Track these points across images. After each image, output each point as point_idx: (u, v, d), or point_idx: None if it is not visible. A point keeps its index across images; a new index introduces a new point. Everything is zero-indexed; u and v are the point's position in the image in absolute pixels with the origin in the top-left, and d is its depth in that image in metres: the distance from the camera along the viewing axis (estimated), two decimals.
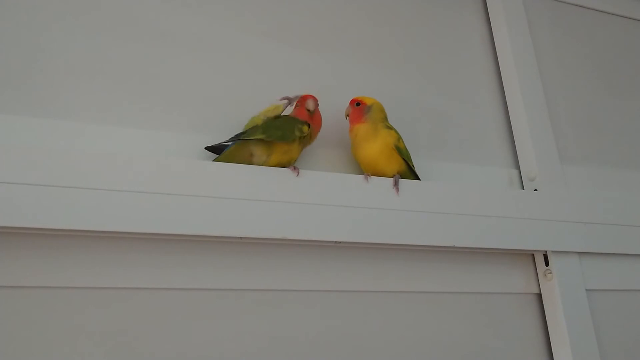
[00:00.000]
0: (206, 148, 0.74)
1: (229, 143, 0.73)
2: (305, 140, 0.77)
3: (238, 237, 0.68)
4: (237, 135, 0.73)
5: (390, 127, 0.80)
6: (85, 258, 0.64)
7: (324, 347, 0.71)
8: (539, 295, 0.87)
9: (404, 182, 0.78)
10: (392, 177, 0.77)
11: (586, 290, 0.86)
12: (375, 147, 0.78)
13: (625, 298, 0.92)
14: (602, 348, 0.85)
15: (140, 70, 0.77)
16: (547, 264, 0.86)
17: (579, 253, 0.88)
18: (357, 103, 0.81)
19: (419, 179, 0.82)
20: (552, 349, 0.83)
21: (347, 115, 0.82)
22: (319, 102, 0.78)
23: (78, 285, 0.63)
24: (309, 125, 0.75)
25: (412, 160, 0.83)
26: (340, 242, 0.73)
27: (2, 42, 0.71)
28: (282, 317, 0.71)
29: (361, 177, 0.76)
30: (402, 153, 0.79)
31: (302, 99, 0.78)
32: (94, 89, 0.73)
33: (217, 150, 0.75)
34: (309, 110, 0.76)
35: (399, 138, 0.80)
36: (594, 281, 0.88)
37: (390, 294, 0.78)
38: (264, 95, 0.80)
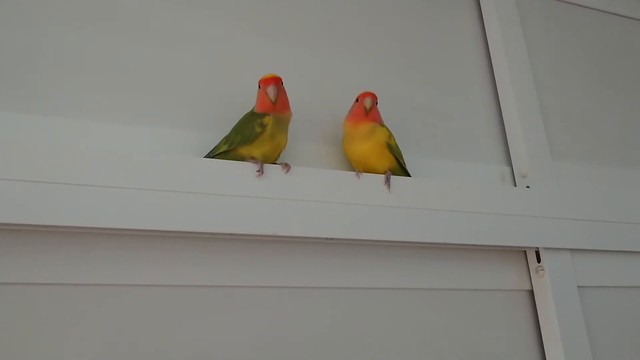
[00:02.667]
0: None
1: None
2: (281, 121, 0.73)
3: (229, 234, 0.68)
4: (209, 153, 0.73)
5: (382, 125, 0.80)
6: (78, 255, 0.63)
7: (314, 343, 0.71)
8: (531, 292, 0.87)
9: (396, 179, 0.78)
10: (384, 173, 0.77)
11: (578, 286, 0.87)
12: (367, 145, 0.78)
13: (616, 295, 0.92)
14: (594, 344, 0.85)
15: (137, 67, 0.76)
16: (539, 260, 0.87)
17: (571, 250, 0.88)
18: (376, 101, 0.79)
19: (410, 176, 0.82)
20: (544, 345, 0.83)
21: (369, 109, 0.76)
22: (282, 81, 0.72)
23: (70, 282, 0.62)
24: (269, 115, 0.71)
25: (404, 157, 0.82)
26: (331, 239, 0.73)
27: None
28: (273, 314, 0.70)
29: (352, 173, 0.75)
30: (394, 150, 0.79)
31: (263, 84, 0.71)
32: (90, 86, 0.73)
33: None
34: (270, 98, 0.71)
35: (390, 135, 0.80)
36: (585, 278, 0.89)
37: (382, 291, 0.78)
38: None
